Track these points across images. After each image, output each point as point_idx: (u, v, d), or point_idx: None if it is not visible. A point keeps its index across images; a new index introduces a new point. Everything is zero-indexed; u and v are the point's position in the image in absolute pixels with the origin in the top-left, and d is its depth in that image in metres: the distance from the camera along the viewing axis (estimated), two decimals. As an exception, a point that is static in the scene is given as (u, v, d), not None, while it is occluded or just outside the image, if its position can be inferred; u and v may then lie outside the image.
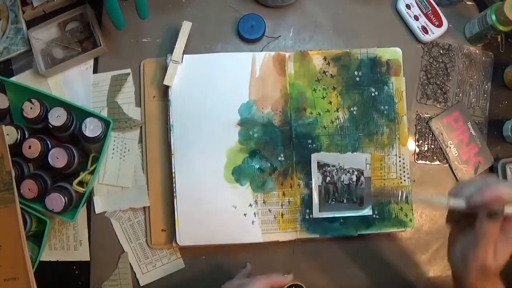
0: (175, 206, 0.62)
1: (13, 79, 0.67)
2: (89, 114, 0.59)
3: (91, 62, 0.68)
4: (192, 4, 0.70)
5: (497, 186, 0.43)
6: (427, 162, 0.69)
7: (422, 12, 0.69)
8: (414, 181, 0.68)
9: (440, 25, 0.69)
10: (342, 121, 0.66)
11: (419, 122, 0.69)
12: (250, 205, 0.63)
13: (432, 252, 0.67)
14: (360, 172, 0.65)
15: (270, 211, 0.63)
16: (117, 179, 0.66)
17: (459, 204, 0.45)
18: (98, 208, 0.65)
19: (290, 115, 0.65)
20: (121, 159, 0.66)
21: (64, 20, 0.67)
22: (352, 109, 0.66)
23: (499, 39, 0.72)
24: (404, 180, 0.66)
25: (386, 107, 0.66)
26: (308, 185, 0.64)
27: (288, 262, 0.66)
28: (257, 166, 0.64)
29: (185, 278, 0.65)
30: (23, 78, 0.67)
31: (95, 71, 0.68)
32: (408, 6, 0.70)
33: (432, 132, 0.69)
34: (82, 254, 0.65)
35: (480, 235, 0.45)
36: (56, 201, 0.56)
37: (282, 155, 0.64)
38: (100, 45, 0.66)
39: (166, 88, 0.65)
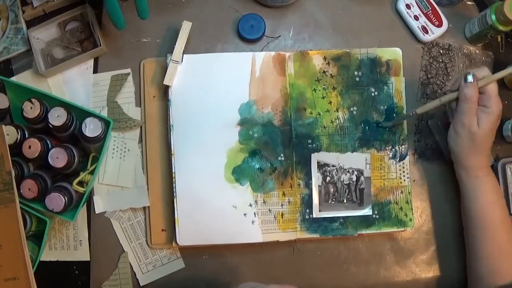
0: (175, 206, 0.62)
1: (13, 79, 0.67)
2: (89, 114, 0.59)
3: (91, 62, 0.68)
4: (192, 4, 0.70)
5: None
6: (427, 162, 0.69)
7: (422, 12, 0.69)
8: (414, 181, 0.68)
9: (440, 25, 0.69)
10: (342, 121, 0.66)
11: (419, 122, 0.69)
12: (250, 205, 0.63)
13: (432, 252, 0.67)
14: (360, 172, 0.65)
15: (270, 211, 0.63)
16: (117, 179, 0.66)
17: (451, 96, 0.58)
18: (98, 208, 0.65)
19: (290, 115, 0.65)
20: (121, 159, 0.66)
21: (64, 20, 0.67)
22: (352, 109, 0.66)
23: (499, 39, 0.72)
24: (404, 180, 0.66)
25: (386, 107, 0.66)
26: (308, 185, 0.64)
27: (288, 262, 0.66)
28: (257, 166, 0.64)
29: (185, 278, 0.65)
30: (23, 78, 0.67)
31: (95, 71, 0.68)
32: (408, 6, 0.70)
33: (432, 132, 0.69)
34: (82, 254, 0.65)
35: (462, 101, 0.56)
36: (56, 201, 0.56)
37: (282, 155, 0.64)
38: (100, 45, 0.66)
39: (166, 88, 0.65)
